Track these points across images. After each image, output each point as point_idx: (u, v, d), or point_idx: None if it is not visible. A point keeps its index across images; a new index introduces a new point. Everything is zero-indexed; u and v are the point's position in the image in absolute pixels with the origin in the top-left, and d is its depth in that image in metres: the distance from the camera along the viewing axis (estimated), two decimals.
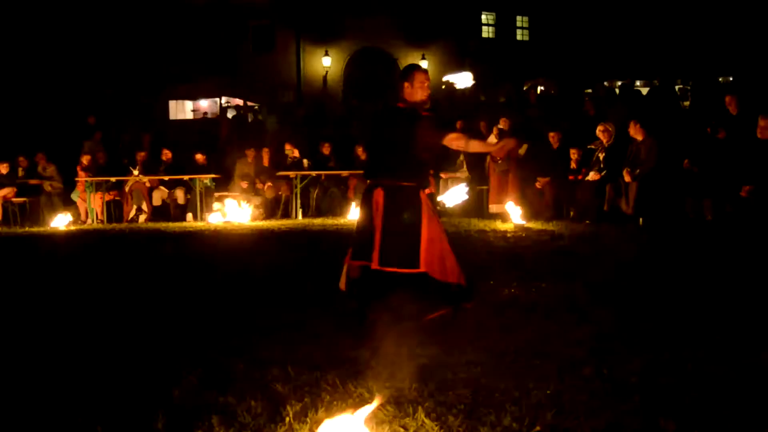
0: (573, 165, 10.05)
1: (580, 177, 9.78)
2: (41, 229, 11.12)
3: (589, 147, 9.97)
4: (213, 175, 12.10)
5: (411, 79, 4.12)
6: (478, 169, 10.84)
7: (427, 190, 4.33)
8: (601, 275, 5.45)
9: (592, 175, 9.49)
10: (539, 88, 17.93)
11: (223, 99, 21.56)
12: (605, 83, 19.02)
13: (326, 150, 12.28)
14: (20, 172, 12.70)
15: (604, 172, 9.39)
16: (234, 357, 3.36)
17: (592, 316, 4.06)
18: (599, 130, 9.63)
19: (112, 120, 16.12)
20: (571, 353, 3.32)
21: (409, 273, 3.89)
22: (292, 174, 11.77)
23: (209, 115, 21.10)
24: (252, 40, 23.50)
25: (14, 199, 12.34)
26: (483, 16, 24.80)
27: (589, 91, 17.03)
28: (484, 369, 3.08)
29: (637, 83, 18.17)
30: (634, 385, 2.84)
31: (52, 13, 19.95)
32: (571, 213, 9.77)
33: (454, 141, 4.21)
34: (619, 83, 18.84)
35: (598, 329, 3.76)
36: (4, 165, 12.36)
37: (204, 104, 22.61)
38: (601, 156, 9.55)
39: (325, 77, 22.94)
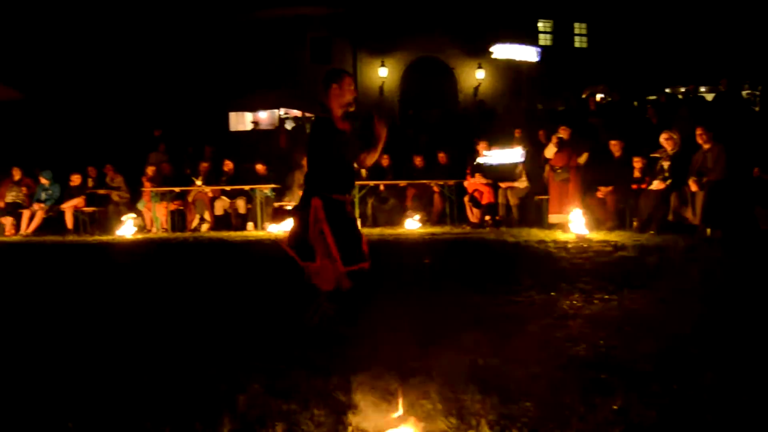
0: (636, 174, 9.81)
1: (643, 186, 9.54)
2: (109, 237, 11.51)
3: (652, 155, 9.72)
4: (273, 185, 12.31)
5: (340, 82, 4.29)
6: (537, 178, 10.69)
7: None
8: (667, 287, 5.29)
9: (656, 184, 9.24)
10: (599, 96, 17.61)
11: (282, 110, 21.91)
12: (667, 90, 18.54)
13: (385, 161, 12.34)
14: (90, 183, 13.21)
15: (669, 180, 9.13)
16: (296, 366, 3.40)
17: (658, 329, 3.95)
18: (663, 138, 9.38)
19: (176, 132, 16.62)
20: (638, 367, 3.23)
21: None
22: None
23: (262, 127, 21.47)
24: (310, 51, 23.84)
25: (84, 209, 12.85)
26: (540, 24, 24.52)
27: (652, 98, 16.64)
28: (547, 382, 3.03)
29: (702, 89, 17.64)
30: (707, 403, 2.74)
31: (119, 32, 20.72)
32: (635, 223, 9.52)
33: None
34: (683, 89, 18.35)
35: (665, 343, 3.64)
36: (76, 176, 12.90)
37: (263, 116, 23.02)
38: (666, 164, 9.29)
39: (381, 88, 23.07)
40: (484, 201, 11.03)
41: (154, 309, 5.11)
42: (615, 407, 2.70)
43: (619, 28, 23.69)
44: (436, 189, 11.99)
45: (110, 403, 2.98)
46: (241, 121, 23.12)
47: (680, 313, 4.37)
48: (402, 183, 12.10)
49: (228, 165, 12.84)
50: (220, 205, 12.75)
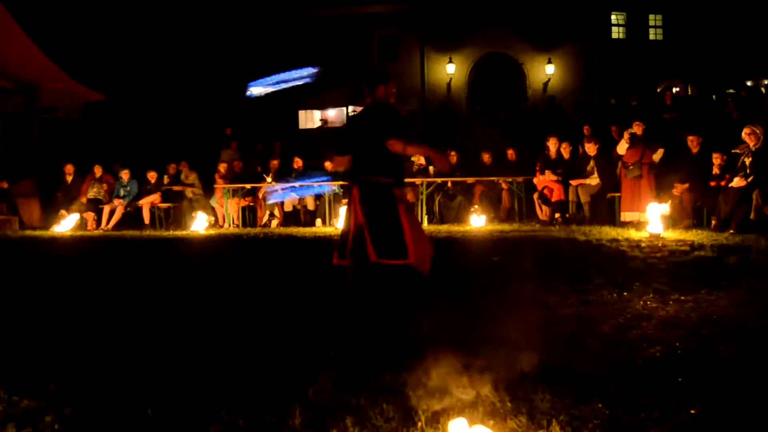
0: (716, 170, 9.42)
1: (723, 183, 9.15)
2: (183, 232, 11.88)
3: (733, 151, 9.32)
4: (341, 182, 12.44)
5: (387, 83, 4.52)
6: (609, 175, 10.42)
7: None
8: (747, 289, 5.08)
9: (737, 181, 8.86)
10: (675, 90, 17.01)
11: (350, 108, 22.12)
12: (749, 82, 17.74)
13: (453, 158, 12.29)
14: (165, 180, 13.68)
15: (751, 177, 8.73)
16: (365, 361, 3.44)
17: (739, 332, 3.80)
18: (745, 133, 8.98)
19: (247, 130, 17.03)
20: (716, 371, 3.11)
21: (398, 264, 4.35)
22: (418, 181, 11.85)
23: (330, 124, 21.73)
24: (377, 49, 23.95)
25: (160, 205, 13.32)
26: (612, 17, 23.85)
27: (732, 91, 15.97)
28: (621, 384, 2.95)
29: None
30: None
31: (192, 35, 21.40)
32: (713, 222, 9.15)
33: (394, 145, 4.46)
34: (766, 82, 17.53)
35: (746, 346, 3.50)
36: (152, 174, 13.40)
37: (332, 113, 23.33)
38: (747, 161, 8.89)
39: (449, 84, 22.96)
40: (554, 198, 10.83)
41: (228, 301, 5.26)
42: (693, 411, 2.61)
43: (697, 19, 22.75)
44: (504, 186, 11.85)
45: (185, 392, 3.08)
46: (310, 119, 23.51)
47: (761, 315, 4.19)
48: (470, 180, 12.02)
49: (297, 162, 13.07)
50: (290, 202, 12.97)
